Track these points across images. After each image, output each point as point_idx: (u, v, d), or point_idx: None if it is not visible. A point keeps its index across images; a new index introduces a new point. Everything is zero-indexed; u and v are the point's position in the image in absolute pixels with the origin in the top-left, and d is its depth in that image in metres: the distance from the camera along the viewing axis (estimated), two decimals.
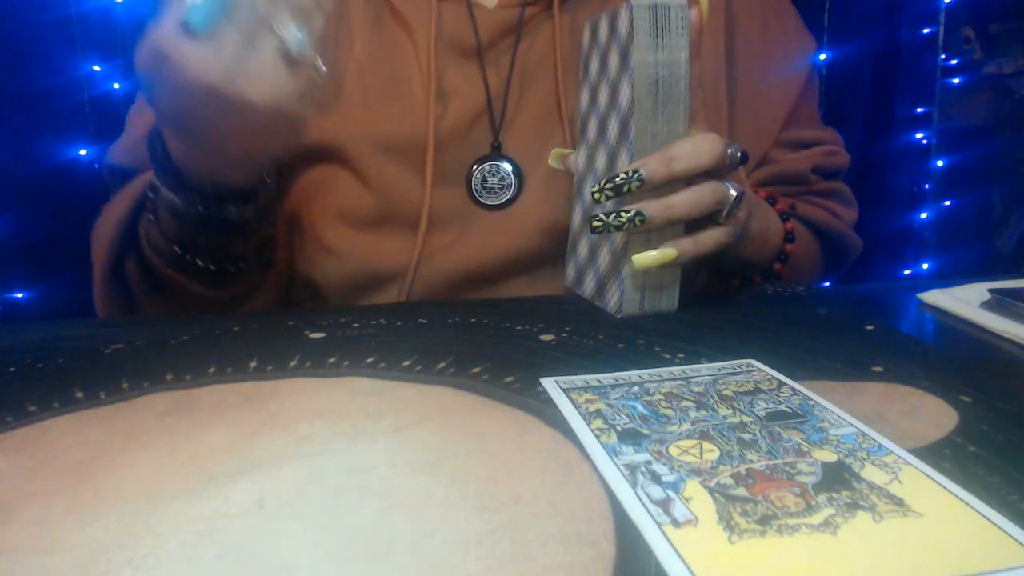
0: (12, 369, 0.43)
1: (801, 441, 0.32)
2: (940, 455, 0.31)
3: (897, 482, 0.28)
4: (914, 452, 0.31)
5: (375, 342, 0.46)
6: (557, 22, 0.65)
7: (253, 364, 0.42)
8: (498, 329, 0.49)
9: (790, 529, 0.25)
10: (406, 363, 0.42)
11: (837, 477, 0.29)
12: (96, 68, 1.36)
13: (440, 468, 0.30)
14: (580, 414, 0.34)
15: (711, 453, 0.31)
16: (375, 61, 0.64)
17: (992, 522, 0.26)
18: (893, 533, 0.25)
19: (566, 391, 0.37)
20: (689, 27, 0.48)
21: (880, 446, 0.31)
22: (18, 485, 0.30)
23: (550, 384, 0.38)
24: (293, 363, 0.43)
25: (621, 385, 0.38)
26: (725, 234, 0.51)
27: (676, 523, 0.26)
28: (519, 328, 0.49)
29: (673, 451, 0.31)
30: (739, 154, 0.50)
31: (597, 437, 0.32)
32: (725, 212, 0.50)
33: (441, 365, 0.42)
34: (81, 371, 0.42)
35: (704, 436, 0.32)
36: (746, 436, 0.32)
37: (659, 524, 0.26)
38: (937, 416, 0.35)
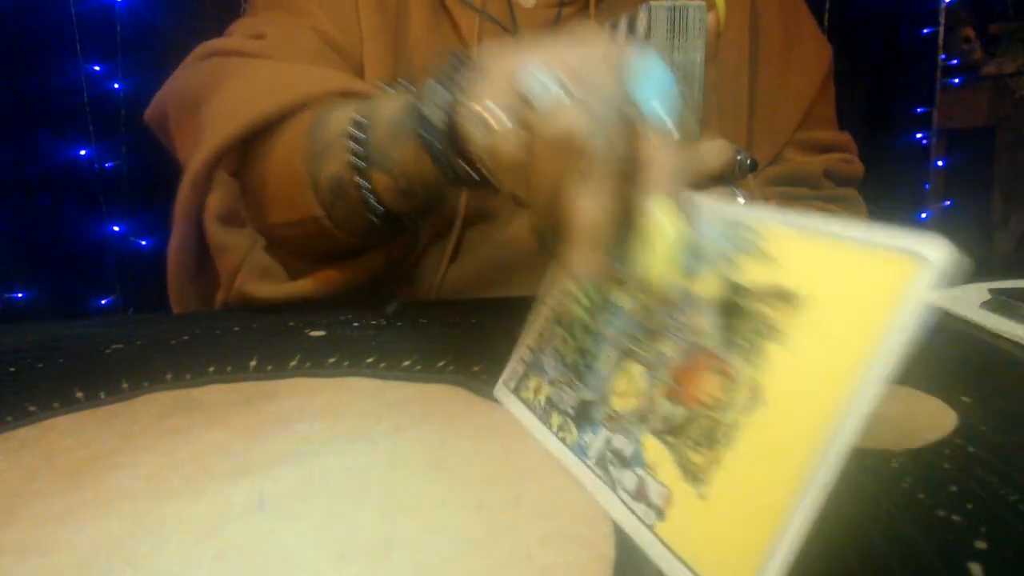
0: (12, 369, 0.43)
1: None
2: (940, 455, 0.31)
3: (776, 265, 0.26)
4: (914, 452, 0.31)
5: (375, 342, 0.46)
6: (593, 24, 0.66)
7: (253, 364, 0.42)
8: (498, 329, 0.49)
9: (732, 430, 0.24)
10: (406, 363, 0.42)
11: (731, 311, 0.26)
12: (96, 68, 1.36)
13: (440, 468, 0.30)
14: (538, 416, 0.34)
15: (639, 376, 0.29)
16: (428, 47, 0.65)
17: (877, 243, 0.24)
18: (802, 343, 0.23)
19: (515, 391, 0.36)
20: (706, 29, 0.49)
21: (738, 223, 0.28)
22: (18, 485, 0.30)
23: (503, 394, 0.37)
24: (293, 363, 0.43)
25: (545, 338, 0.36)
26: None
27: (660, 513, 0.25)
28: (519, 328, 0.49)
29: (616, 403, 0.30)
30: (748, 161, 0.51)
31: (563, 440, 0.31)
32: None
33: (441, 365, 0.42)
34: (81, 371, 0.42)
35: (624, 354, 0.31)
36: (650, 324, 0.30)
37: (648, 526, 0.25)
38: (937, 416, 0.35)
